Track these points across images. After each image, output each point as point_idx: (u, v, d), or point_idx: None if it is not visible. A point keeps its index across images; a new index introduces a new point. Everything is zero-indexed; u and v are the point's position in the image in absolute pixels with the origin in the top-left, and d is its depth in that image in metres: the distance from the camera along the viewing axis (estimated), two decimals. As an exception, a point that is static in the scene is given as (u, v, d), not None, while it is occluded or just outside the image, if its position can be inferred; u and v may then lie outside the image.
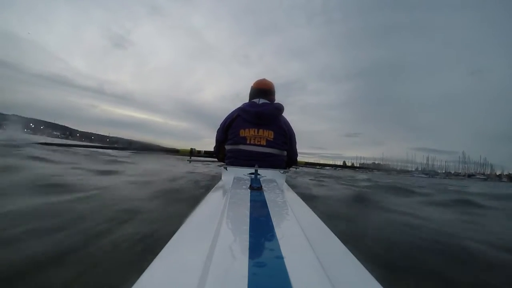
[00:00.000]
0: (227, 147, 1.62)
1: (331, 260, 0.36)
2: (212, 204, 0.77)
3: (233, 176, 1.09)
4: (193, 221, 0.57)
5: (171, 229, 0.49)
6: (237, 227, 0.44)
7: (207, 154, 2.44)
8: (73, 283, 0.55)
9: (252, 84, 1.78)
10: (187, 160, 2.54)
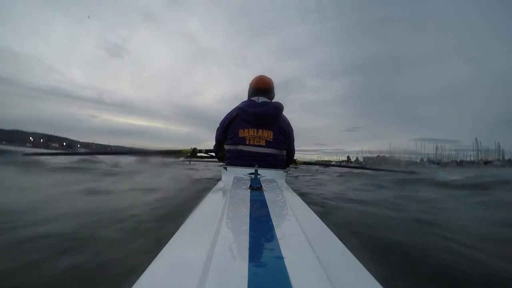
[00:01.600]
0: (227, 147, 1.62)
1: (331, 260, 0.36)
2: (212, 204, 0.77)
3: (233, 176, 1.09)
4: (193, 221, 0.58)
5: (171, 229, 0.49)
6: (237, 227, 0.44)
7: (208, 152, 2.44)
8: (73, 282, 0.55)
9: (250, 82, 1.74)
10: (188, 160, 2.54)
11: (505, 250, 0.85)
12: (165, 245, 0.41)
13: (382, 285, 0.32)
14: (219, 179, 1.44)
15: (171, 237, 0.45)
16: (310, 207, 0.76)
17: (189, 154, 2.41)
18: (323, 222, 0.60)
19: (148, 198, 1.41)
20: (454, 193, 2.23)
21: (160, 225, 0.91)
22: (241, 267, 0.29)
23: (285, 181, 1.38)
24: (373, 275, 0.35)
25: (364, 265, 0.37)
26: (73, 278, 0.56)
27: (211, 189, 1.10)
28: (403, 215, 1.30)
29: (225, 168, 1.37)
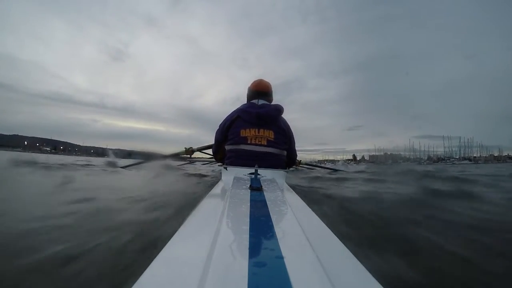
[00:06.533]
0: (227, 147, 1.63)
1: (331, 260, 0.36)
2: (212, 204, 0.77)
3: (233, 176, 1.09)
4: (193, 221, 0.58)
5: (171, 228, 0.49)
6: (237, 227, 0.44)
7: (203, 150, 2.44)
8: (73, 283, 0.55)
9: (249, 85, 1.77)
10: (188, 160, 2.54)
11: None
12: (165, 245, 0.41)
13: (382, 285, 0.32)
14: (219, 179, 1.44)
15: (171, 237, 0.45)
16: (310, 207, 0.76)
17: (184, 155, 2.41)
18: (323, 222, 0.60)
19: (146, 198, 1.41)
20: None
21: (160, 225, 0.91)
22: (241, 267, 0.29)
23: (285, 181, 1.38)
24: (373, 275, 0.35)
25: (364, 265, 0.37)
26: (72, 277, 0.56)
27: (211, 189, 1.10)
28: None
29: (225, 168, 1.38)
